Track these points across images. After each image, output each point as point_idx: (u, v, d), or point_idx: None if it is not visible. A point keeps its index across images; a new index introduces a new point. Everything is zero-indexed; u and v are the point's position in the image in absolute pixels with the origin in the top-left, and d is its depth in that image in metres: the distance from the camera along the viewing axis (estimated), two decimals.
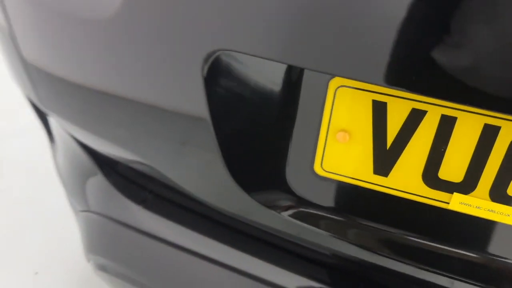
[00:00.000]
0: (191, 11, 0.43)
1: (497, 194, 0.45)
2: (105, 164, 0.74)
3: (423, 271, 0.52)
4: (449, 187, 0.46)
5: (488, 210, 0.46)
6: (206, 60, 0.45)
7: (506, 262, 0.48)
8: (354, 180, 0.51)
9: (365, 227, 0.53)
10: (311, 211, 0.54)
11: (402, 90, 0.39)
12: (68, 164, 0.80)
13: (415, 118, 0.44)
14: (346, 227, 0.53)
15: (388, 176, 0.49)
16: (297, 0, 0.38)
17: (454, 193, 0.46)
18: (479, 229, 0.48)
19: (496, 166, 0.43)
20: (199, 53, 0.45)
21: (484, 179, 0.45)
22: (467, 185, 0.46)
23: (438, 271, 0.50)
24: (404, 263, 0.52)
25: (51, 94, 0.65)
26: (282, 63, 0.43)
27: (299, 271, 0.61)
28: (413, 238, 0.51)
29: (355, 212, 0.53)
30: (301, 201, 0.55)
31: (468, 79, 0.36)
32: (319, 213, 0.54)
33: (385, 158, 0.48)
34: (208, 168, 0.56)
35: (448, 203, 0.47)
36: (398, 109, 0.45)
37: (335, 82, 0.46)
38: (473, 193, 0.46)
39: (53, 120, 0.78)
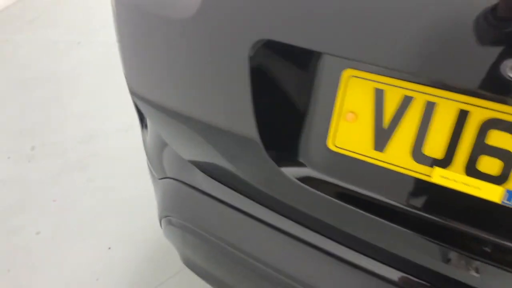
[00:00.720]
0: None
1: (470, 169, 0.55)
2: None
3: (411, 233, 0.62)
4: (432, 162, 0.57)
5: (463, 183, 0.55)
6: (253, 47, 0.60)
7: (478, 232, 0.57)
8: (358, 155, 0.63)
9: (366, 196, 0.64)
10: (324, 181, 0.67)
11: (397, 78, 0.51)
12: (153, 143, 1.00)
13: (405, 103, 0.57)
14: (352, 197, 0.65)
15: (384, 152, 0.60)
16: None
17: (435, 167, 0.57)
18: (458, 202, 0.57)
19: (468, 145, 0.54)
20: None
21: (459, 155, 0.55)
22: (446, 161, 0.56)
23: (423, 236, 0.60)
24: (395, 225, 0.62)
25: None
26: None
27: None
28: (402, 206, 0.61)
29: (359, 183, 0.65)
30: (316, 173, 0.67)
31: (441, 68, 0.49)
32: (330, 182, 0.66)
33: (382, 136, 0.60)
34: (247, 146, 0.71)
35: (430, 176, 0.58)
36: (393, 95, 0.57)
37: (347, 73, 0.60)
38: (450, 168, 0.56)
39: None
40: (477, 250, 0.57)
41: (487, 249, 0.56)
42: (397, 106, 0.58)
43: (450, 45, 0.48)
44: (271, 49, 0.62)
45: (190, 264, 1.02)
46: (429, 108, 0.55)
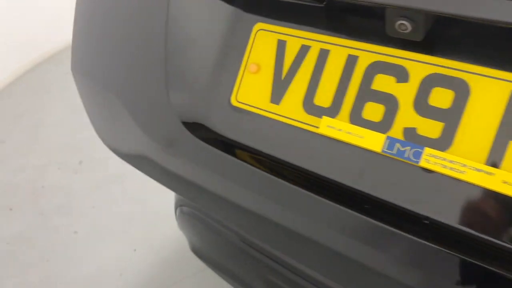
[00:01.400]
0: None
1: (354, 117, 0.53)
2: None
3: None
4: (321, 111, 0.55)
5: (347, 132, 0.53)
6: None
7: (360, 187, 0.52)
8: (256, 109, 0.60)
9: (265, 155, 0.60)
10: (226, 139, 0.64)
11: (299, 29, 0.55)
12: None
13: (303, 52, 0.57)
14: (252, 156, 0.61)
15: (280, 104, 0.58)
16: None
17: (323, 116, 0.54)
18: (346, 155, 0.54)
19: (354, 91, 0.53)
20: None
21: (345, 103, 0.53)
22: (334, 110, 0.54)
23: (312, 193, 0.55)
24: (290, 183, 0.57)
25: None
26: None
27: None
28: (295, 164, 0.57)
29: (259, 140, 0.61)
30: (218, 131, 0.64)
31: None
32: (231, 141, 0.63)
33: (279, 88, 0.59)
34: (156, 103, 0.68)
35: (318, 127, 0.55)
36: (293, 45, 0.58)
37: (257, 26, 0.61)
38: (337, 117, 0.54)
39: None
40: (357, 205, 0.52)
41: (367, 206, 0.51)
42: (295, 56, 0.58)
43: None
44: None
45: (198, 253, 1.15)
46: (323, 56, 0.55)
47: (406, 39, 0.48)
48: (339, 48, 0.54)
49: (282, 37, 0.59)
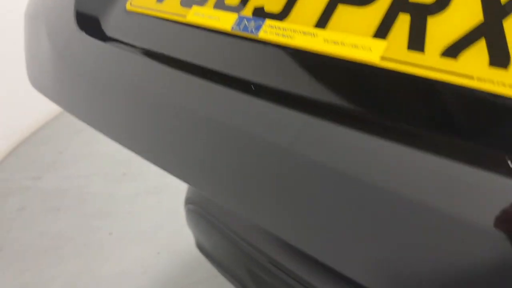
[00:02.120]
0: None
1: (218, 4, 0.52)
2: None
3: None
4: (193, 2, 0.55)
5: (208, 17, 0.53)
6: None
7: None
8: (146, 10, 0.60)
9: (151, 52, 0.59)
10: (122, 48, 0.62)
11: None
12: None
13: None
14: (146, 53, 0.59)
15: (162, 2, 0.58)
16: None
17: (193, 6, 0.54)
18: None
19: None
20: None
21: None
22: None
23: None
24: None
25: None
26: None
27: None
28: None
29: (145, 41, 0.60)
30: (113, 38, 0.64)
31: None
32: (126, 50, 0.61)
33: None
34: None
35: (185, 16, 0.54)
36: None
37: None
38: (205, 5, 0.54)
39: None
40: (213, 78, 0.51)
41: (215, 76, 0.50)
42: None
43: None
44: None
45: (201, 249, 1.25)
46: None
47: None
48: None
49: None
